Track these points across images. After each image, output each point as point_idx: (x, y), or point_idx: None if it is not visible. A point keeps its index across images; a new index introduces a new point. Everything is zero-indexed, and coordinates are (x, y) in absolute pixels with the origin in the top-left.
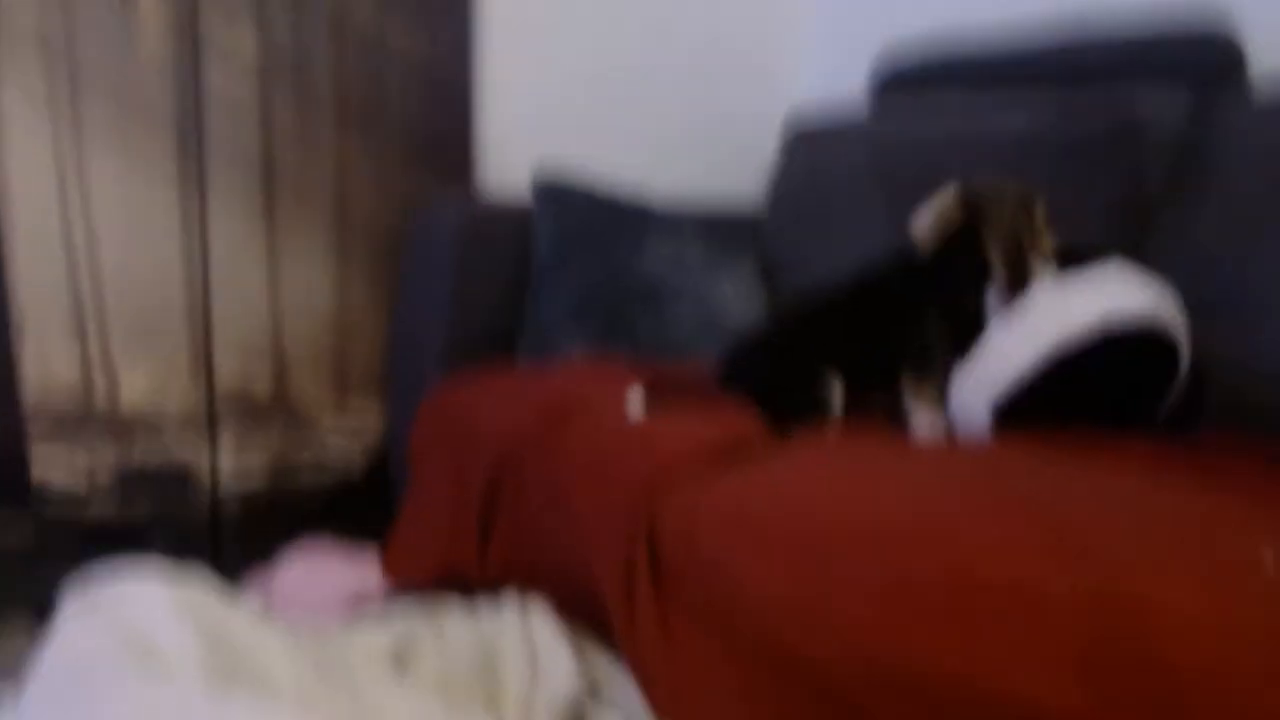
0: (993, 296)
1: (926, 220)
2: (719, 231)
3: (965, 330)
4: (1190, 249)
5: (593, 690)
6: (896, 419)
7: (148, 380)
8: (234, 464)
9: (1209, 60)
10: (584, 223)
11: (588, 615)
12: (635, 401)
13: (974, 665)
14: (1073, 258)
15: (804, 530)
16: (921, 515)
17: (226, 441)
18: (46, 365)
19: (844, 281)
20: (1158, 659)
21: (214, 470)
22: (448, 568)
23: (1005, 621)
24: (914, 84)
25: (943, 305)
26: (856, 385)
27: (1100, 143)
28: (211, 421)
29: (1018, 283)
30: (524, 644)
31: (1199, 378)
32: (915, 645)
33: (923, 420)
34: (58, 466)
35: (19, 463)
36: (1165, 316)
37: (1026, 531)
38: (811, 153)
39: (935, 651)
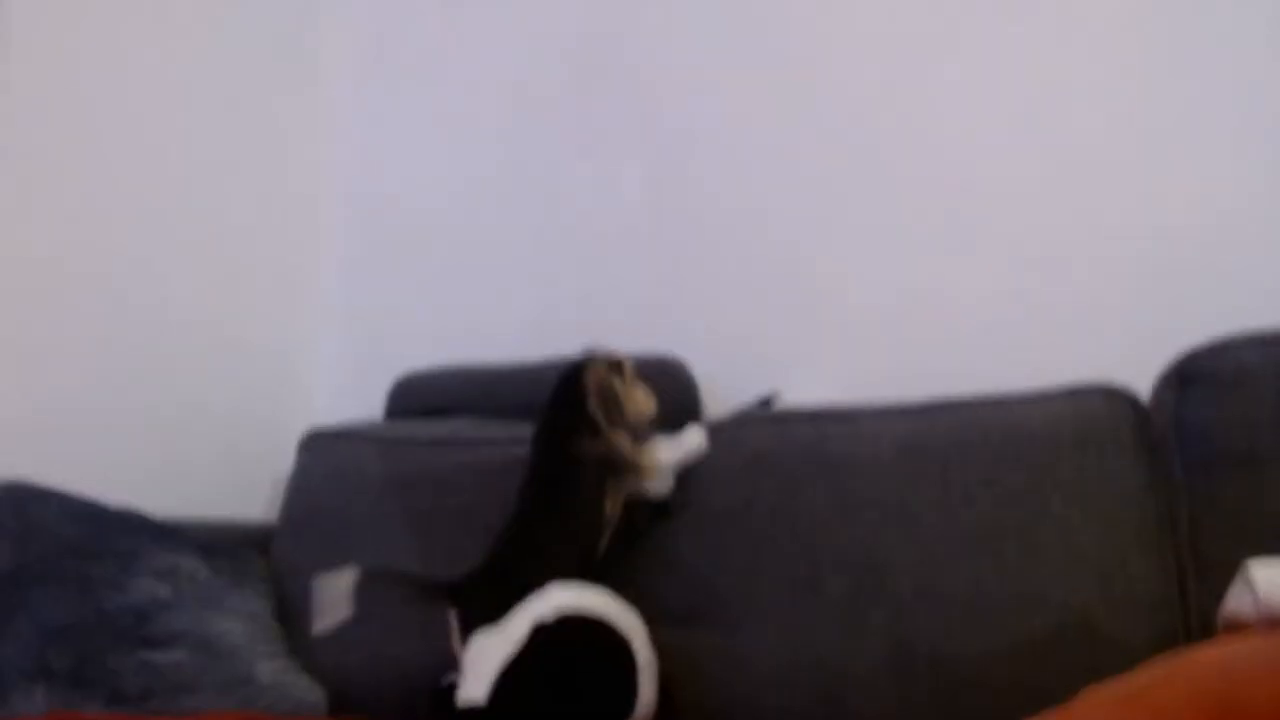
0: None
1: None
2: (224, 548)
3: None
4: (673, 564)
5: None
6: None
7: None
8: None
9: (674, 401)
10: (54, 539)
11: None
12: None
13: None
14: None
15: None
16: None
17: None
18: None
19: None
20: None
21: None
22: None
23: None
24: (426, 412)
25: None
26: None
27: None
28: None
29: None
30: None
31: (667, 691)
32: None
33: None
34: None
35: None
36: (599, 610)
37: None
38: (329, 452)
39: None
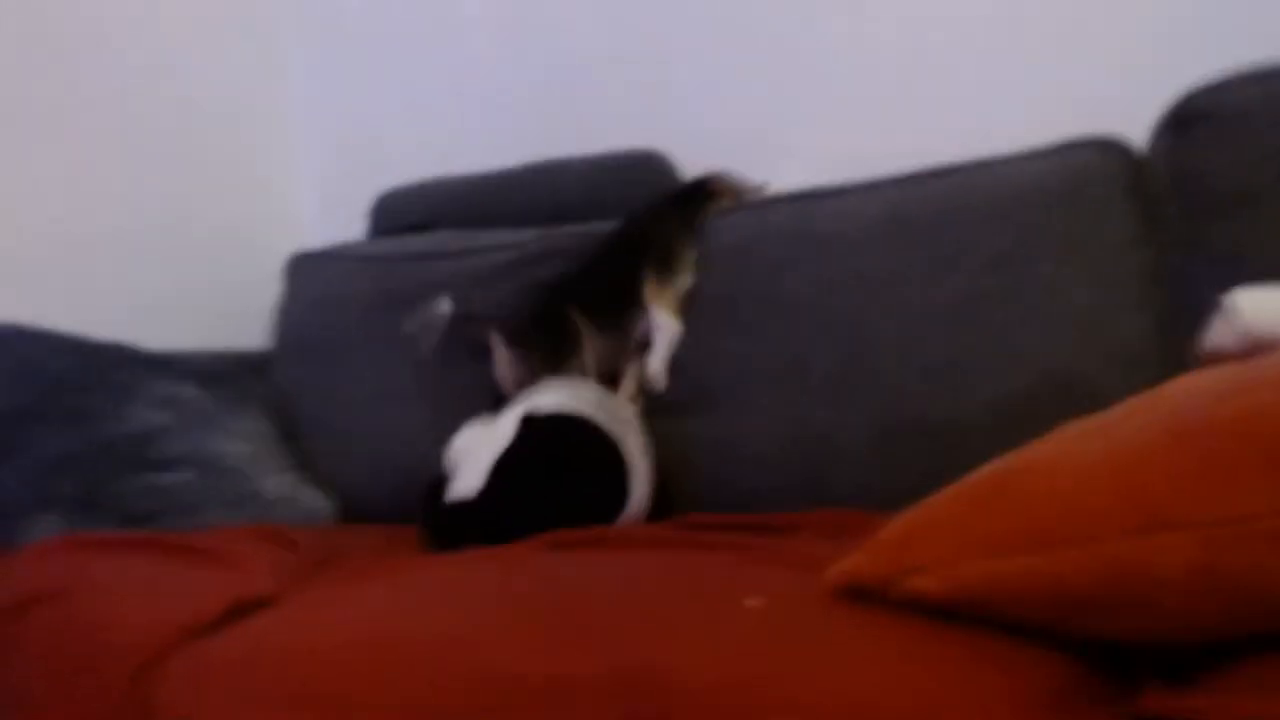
0: None
1: None
2: (221, 374)
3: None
4: None
5: None
6: None
7: None
8: None
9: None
10: (50, 375)
11: None
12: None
13: None
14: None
15: (327, 670)
16: (449, 628)
17: None
18: None
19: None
20: None
21: None
22: None
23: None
24: (410, 227)
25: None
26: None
27: None
28: None
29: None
30: None
31: (663, 477)
32: None
33: (662, 322)
34: None
35: None
36: (589, 412)
37: (552, 624)
38: (316, 274)
39: None
